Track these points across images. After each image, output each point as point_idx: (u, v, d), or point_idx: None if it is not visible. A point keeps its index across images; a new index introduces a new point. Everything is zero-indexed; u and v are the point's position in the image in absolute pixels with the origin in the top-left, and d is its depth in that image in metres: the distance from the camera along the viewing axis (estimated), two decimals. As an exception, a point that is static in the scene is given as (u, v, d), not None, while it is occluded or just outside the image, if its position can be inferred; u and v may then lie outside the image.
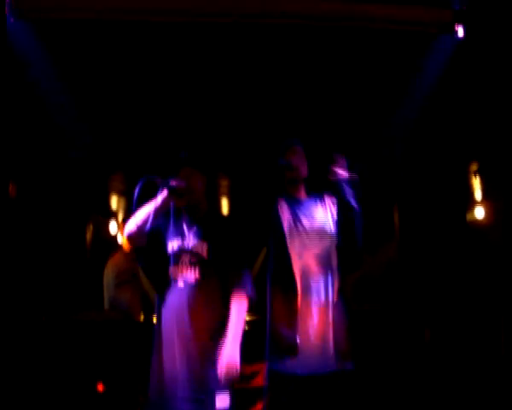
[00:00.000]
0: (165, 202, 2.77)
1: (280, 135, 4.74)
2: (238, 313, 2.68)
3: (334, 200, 3.02)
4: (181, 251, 2.78)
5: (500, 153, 4.44)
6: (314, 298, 2.82)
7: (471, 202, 5.02)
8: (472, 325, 4.64)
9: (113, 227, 5.71)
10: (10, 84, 4.06)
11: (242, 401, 4.51)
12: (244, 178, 5.54)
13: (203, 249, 2.76)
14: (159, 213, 2.78)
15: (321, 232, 2.92)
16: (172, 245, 2.82)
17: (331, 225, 2.96)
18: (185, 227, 2.82)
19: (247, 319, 5.21)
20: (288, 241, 2.88)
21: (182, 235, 2.80)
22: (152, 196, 2.79)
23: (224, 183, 5.64)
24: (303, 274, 2.84)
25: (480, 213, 5.12)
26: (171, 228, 2.86)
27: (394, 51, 4.21)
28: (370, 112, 4.66)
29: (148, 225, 2.72)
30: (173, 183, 2.77)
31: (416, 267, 4.96)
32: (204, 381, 2.61)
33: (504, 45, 4.03)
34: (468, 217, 5.14)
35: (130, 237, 2.83)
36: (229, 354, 2.60)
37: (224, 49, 4.36)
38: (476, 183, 5.00)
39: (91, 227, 5.64)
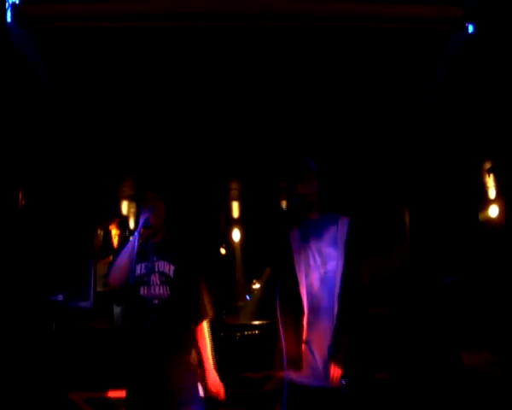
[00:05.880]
0: (141, 239, 2.90)
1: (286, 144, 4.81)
2: (207, 341, 3.03)
3: (348, 221, 2.98)
4: (149, 272, 2.96)
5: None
6: (319, 318, 2.86)
7: (485, 201, 4.96)
8: (486, 325, 4.59)
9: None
10: (17, 92, 4.06)
11: (256, 406, 4.53)
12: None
13: (170, 270, 2.97)
14: (137, 249, 2.89)
15: (327, 254, 2.92)
16: (140, 268, 2.98)
17: (339, 247, 2.93)
18: (149, 250, 2.99)
19: (257, 323, 5.24)
20: (296, 260, 2.93)
21: (147, 257, 2.98)
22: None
23: (235, 186, 5.63)
24: (309, 294, 2.88)
25: (493, 211, 5.06)
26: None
27: (405, 50, 4.14)
28: (381, 111, 4.60)
29: (131, 266, 2.87)
30: (144, 218, 2.89)
31: (428, 269, 4.90)
32: (183, 390, 2.85)
33: (516, 41, 3.95)
34: (482, 216, 5.07)
35: (116, 284, 2.96)
36: (215, 379, 3.01)
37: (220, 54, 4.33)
38: (490, 181, 4.94)
39: (102, 233, 5.65)
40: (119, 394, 4.23)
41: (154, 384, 2.81)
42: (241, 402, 4.59)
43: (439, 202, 4.90)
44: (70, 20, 4.00)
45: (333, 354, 2.78)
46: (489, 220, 5.05)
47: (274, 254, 2.97)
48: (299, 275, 2.89)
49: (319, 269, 2.89)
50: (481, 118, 4.45)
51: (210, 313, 3.06)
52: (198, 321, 3.03)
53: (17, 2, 3.83)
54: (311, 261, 2.91)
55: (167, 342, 2.87)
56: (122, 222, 5.80)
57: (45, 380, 4.29)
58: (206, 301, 3.05)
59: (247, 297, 6.38)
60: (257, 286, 6.45)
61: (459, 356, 4.63)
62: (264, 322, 5.24)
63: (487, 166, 4.87)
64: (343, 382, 2.77)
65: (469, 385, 4.49)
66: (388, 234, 5.01)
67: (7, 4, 3.80)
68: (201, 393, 2.93)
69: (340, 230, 2.95)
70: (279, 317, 2.91)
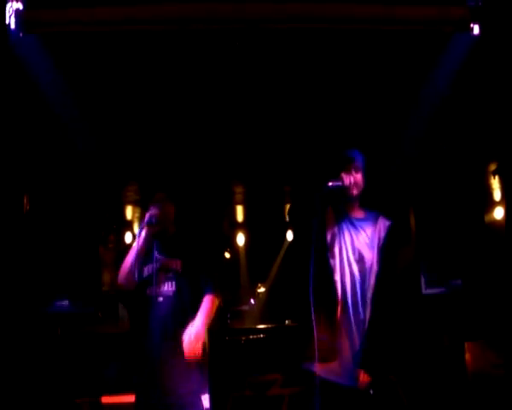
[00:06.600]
0: (146, 237, 2.94)
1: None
2: (207, 305, 2.94)
3: (388, 224, 2.86)
4: (157, 271, 2.98)
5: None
6: (349, 315, 2.79)
7: (490, 203, 4.94)
8: (491, 327, 4.57)
9: (127, 237, 5.73)
10: (21, 99, 4.07)
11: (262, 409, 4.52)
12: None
13: (177, 265, 3.00)
14: (143, 249, 2.95)
15: (361, 253, 2.84)
16: (147, 269, 3.01)
17: (375, 249, 2.83)
18: (156, 250, 3.02)
19: (262, 327, 5.22)
20: (330, 251, 2.86)
21: (154, 258, 3.00)
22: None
23: (239, 190, 5.63)
24: (342, 288, 2.82)
25: (499, 213, 5.05)
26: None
27: (409, 52, 4.13)
28: (385, 113, 4.59)
29: (137, 266, 2.92)
30: (148, 215, 2.93)
31: (433, 271, 4.88)
32: (190, 383, 2.86)
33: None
34: (488, 217, 5.06)
35: (124, 284, 2.97)
36: (196, 327, 2.84)
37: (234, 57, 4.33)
38: (495, 183, 4.92)
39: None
40: (123, 399, 4.24)
41: (157, 388, 2.81)
42: (247, 406, 4.58)
43: (444, 205, 4.87)
44: (73, 25, 4.01)
45: (362, 360, 2.71)
46: (494, 222, 5.03)
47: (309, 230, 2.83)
48: (333, 264, 2.83)
49: (351, 266, 2.82)
50: (486, 120, 4.43)
51: (217, 290, 2.99)
52: (205, 293, 2.97)
53: (20, 8, 3.85)
54: (345, 256, 2.84)
55: (170, 340, 2.85)
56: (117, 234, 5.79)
57: (48, 385, 4.29)
58: (217, 278, 3.04)
59: (252, 301, 6.37)
60: (262, 290, 6.44)
61: (463, 357, 4.60)
62: (269, 326, 5.22)
63: (492, 168, 4.86)
64: (371, 391, 2.71)
65: (474, 387, 4.47)
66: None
67: (10, 11, 3.81)
68: (206, 404, 2.92)
69: (377, 232, 2.85)
70: (313, 306, 2.76)
